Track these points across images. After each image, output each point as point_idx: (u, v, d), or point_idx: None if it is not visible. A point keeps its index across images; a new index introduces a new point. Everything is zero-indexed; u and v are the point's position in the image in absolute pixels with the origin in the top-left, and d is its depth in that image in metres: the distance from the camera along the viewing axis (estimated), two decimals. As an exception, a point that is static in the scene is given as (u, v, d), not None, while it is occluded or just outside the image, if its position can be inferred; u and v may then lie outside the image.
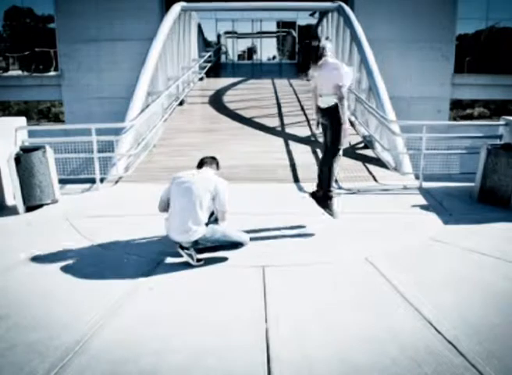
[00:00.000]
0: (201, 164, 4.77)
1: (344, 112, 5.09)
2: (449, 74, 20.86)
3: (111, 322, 3.48)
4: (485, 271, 4.33)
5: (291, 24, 31.16)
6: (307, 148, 9.63)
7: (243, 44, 32.39)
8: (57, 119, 24.08)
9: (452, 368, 2.92)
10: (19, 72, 23.04)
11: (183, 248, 4.47)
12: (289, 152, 9.36)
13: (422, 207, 6.28)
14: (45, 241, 5.16)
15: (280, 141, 10.27)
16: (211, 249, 4.53)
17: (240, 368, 2.94)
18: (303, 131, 10.93)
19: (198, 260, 4.48)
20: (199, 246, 4.47)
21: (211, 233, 4.44)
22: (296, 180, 7.76)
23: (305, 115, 12.81)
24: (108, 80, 20.30)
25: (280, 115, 12.90)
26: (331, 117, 5.18)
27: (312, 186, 5.69)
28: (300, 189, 7.17)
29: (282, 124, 11.82)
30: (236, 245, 4.51)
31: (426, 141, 7.47)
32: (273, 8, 20.21)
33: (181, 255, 4.49)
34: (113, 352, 3.10)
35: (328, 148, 5.31)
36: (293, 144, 9.91)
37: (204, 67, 19.40)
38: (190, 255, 4.45)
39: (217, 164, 4.84)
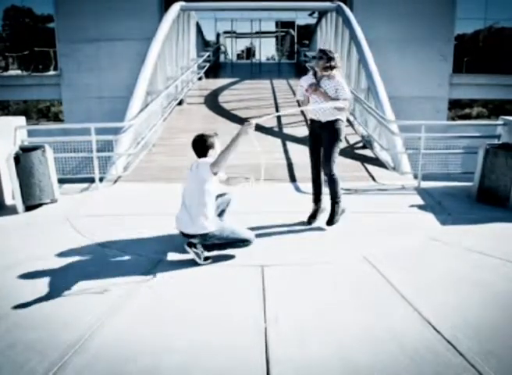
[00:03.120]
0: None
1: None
2: (447, 74, 20.89)
3: (110, 321, 3.48)
4: (484, 271, 4.34)
5: (290, 24, 31.20)
6: (305, 148, 9.63)
7: (242, 44, 32.46)
8: (56, 118, 24.09)
9: (451, 368, 2.93)
10: (19, 71, 23.05)
11: (190, 245, 4.45)
12: (287, 152, 9.37)
13: (421, 207, 6.28)
14: (45, 240, 5.17)
15: (279, 140, 10.28)
16: (218, 246, 4.54)
17: (239, 368, 2.95)
18: (301, 131, 10.94)
19: (206, 259, 4.49)
20: (207, 242, 4.47)
21: (220, 231, 4.45)
22: (294, 179, 7.76)
23: (303, 115, 12.82)
24: (107, 79, 20.30)
25: (279, 115, 12.89)
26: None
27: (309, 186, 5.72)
28: (298, 189, 7.17)
29: (281, 124, 11.82)
30: (243, 242, 4.52)
31: (425, 140, 7.48)
32: (272, 8, 20.20)
33: (182, 254, 4.50)
34: (113, 352, 3.11)
35: (326, 161, 5.36)
36: (291, 144, 9.92)
37: (203, 67, 19.39)
38: (197, 254, 4.44)
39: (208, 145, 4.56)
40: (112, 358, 3.05)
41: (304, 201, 6.03)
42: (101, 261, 4.58)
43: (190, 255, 4.44)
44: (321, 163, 5.45)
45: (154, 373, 2.90)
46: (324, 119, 5.32)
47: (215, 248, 4.54)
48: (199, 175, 4.38)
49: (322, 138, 5.39)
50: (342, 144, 5.48)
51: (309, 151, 5.63)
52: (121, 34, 20.18)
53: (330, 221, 5.46)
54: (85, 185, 7.38)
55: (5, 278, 4.27)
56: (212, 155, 4.50)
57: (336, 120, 5.31)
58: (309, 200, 5.75)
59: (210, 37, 28.58)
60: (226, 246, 4.55)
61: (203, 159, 4.46)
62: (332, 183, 5.40)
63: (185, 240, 4.51)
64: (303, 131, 11.00)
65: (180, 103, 14.15)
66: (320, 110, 5.30)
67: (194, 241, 4.45)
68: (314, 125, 5.49)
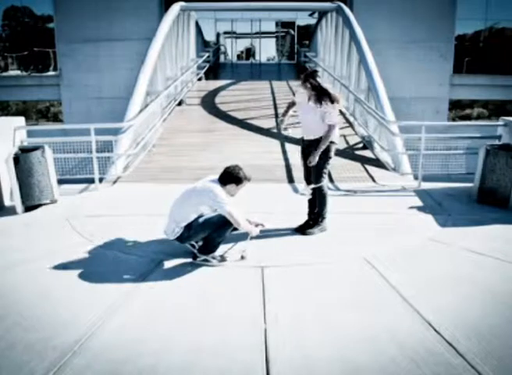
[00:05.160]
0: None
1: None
2: (448, 74, 20.89)
3: (110, 322, 3.48)
4: (484, 271, 4.34)
5: (290, 24, 31.19)
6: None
7: (242, 45, 32.42)
8: (56, 118, 24.06)
9: (451, 368, 2.93)
10: (18, 72, 23.04)
11: (195, 258, 4.50)
12: (286, 153, 9.36)
13: (421, 207, 6.28)
14: (44, 240, 5.17)
15: (277, 141, 10.27)
16: (205, 239, 4.48)
17: (239, 368, 2.94)
18: (300, 132, 10.93)
19: (222, 259, 4.53)
20: (191, 239, 4.47)
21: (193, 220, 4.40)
22: (292, 180, 7.75)
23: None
24: (106, 79, 20.31)
25: (277, 116, 12.91)
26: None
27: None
28: (296, 190, 7.16)
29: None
30: (223, 226, 4.37)
31: (425, 141, 7.48)
32: (272, 9, 20.22)
33: (182, 255, 4.55)
34: (112, 352, 3.10)
35: (315, 177, 5.26)
36: (290, 145, 9.89)
37: (203, 67, 19.39)
38: (206, 260, 4.47)
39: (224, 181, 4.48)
40: (112, 358, 3.04)
41: (302, 202, 6.02)
42: (100, 261, 4.58)
43: (205, 262, 4.48)
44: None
45: (154, 373, 2.90)
46: (312, 136, 5.19)
47: (202, 240, 4.50)
48: (210, 200, 4.31)
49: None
50: (331, 161, 5.33)
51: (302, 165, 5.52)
52: (121, 34, 20.19)
53: (303, 229, 5.37)
54: (84, 186, 7.37)
55: (5, 278, 4.27)
56: (230, 190, 4.44)
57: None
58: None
59: (210, 37, 28.58)
60: (210, 236, 4.41)
61: (221, 192, 4.33)
62: (319, 196, 5.31)
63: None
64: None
65: (180, 103, 14.15)
66: (307, 127, 5.22)
67: (192, 249, 4.53)
68: (303, 143, 5.38)
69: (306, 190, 5.42)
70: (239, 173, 4.42)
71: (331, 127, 5.08)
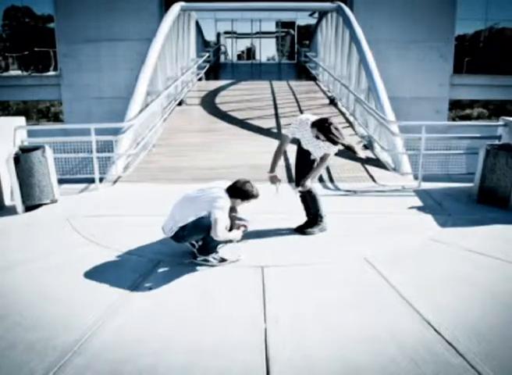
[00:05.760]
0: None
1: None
2: (448, 75, 20.90)
3: (110, 322, 3.48)
4: (484, 271, 4.34)
5: (290, 24, 31.22)
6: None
7: (243, 44, 32.45)
8: (56, 118, 24.09)
9: (451, 368, 2.93)
10: (19, 72, 23.06)
11: (195, 257, 4.50)
12: (286, 152, 9.33)
13: (421, 207, 6.28)
14: (44, 240, 5.17)
15: (278, 141, 10.23)
16: (201, 240, 4.45)
17: (239, 368, 2.95)
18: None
19: (221, 260, 4.51)
20: (187, 239, 4.43)
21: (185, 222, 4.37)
22: (292, 180, 7.73)
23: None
24: (107, 79, 20.32)
25: (277, 116, 12.92)
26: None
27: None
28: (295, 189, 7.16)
29: (279, 125, 11.82)
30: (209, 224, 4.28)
31: (425, 141, 7.47)
32: (272, 9, 20.23)
33: (182, 255, 4.55)
34: (112, 352, 3.11)
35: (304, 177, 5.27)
36: (290, 145, 9.84)
37: (204, 67, 19.40)
38: (205, 260, 4.46)
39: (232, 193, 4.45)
40: (112, 358, 3.05)
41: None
42: (100, 261, 4.57)
43: (205, 262, 4.47)
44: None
45: (154, 373, 2.90)
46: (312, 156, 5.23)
47: (199, 241, 4.48)
48: (210, 204, 4.28)
49: (307, 159, 5.30)
50: (330, 161, 5.41)
51: (295, 165, 5.55)
52: (121, 35, 20.21)
53: (303, 228, 5.36)
54: (85, 185, 7.37)
55: (5, 278, 4.27)
56: (234, 202, 4.47)
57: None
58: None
59: (210, 37, 28.62)
60: (207, 237, 4.34)
61: (223, 201, 4.31)
62: (310, 198, 5.32)
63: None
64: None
65: (180, 103, 14.16)
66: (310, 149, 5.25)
67: (192, 248, 4.52)
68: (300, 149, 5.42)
69: (295, 191, 5.42)
70: (248, 190, 4.42)
71: (326, 156, 5.10)
